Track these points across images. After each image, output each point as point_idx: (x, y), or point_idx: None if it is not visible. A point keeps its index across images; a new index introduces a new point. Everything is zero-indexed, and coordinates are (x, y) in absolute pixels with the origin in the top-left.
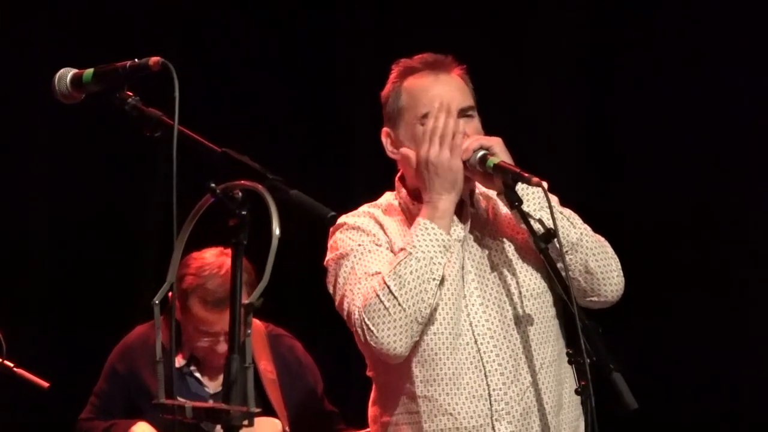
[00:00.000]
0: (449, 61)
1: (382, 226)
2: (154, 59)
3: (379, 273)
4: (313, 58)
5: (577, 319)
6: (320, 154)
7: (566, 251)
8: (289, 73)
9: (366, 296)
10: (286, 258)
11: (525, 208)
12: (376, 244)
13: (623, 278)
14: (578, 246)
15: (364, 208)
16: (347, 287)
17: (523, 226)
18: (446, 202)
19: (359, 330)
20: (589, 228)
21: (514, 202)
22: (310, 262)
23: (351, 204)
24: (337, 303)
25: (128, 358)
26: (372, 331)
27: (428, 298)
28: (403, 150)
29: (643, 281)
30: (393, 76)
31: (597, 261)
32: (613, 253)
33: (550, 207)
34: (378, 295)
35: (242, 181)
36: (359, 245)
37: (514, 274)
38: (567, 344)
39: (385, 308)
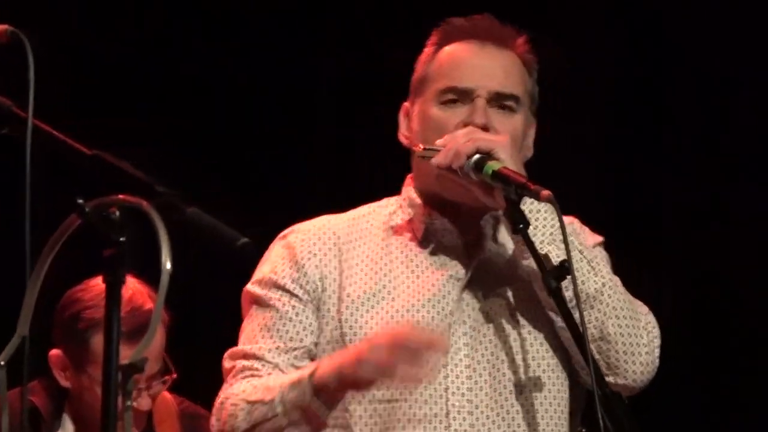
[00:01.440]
0: (509, 32)
1: (339, 251)
2: None
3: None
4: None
5: (595, 386)
6: (246, 161)
7: (577, 305)
8: (196, 49)
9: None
10: (200, 301)
11: (537, 234)
12: (294, 295)
13: (656, 360)
14: (596, 301)
15: (338, 219)
16: (241, 344)
17: (528, 259)
18: None
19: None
20: (618, 281)
21: (518, 223)
22: (234, 308)
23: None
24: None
25: None
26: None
27: None
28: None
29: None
30: (434, 38)
31: (620, 327)
32: (649, 322)
33: (563, 230)
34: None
35: (121, 196)
36: (277, 297)
37: (518, 325)
38: (581, 420)
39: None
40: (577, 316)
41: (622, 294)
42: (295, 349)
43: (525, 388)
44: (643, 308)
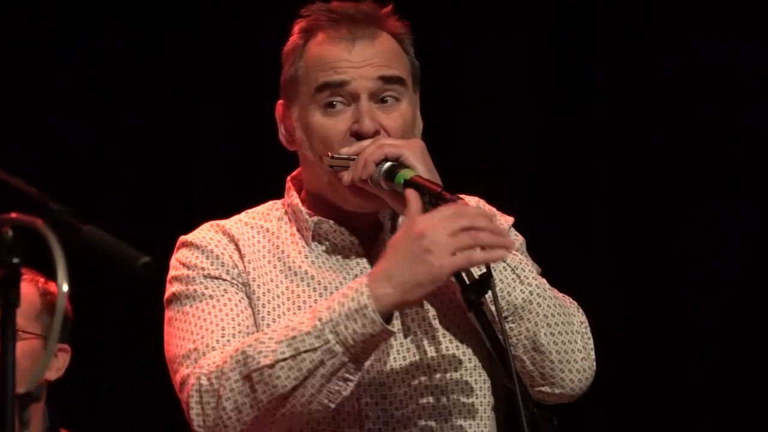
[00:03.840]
0: (378, 14)
1: (237, 245)
2: None
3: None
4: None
5: (521, 403)
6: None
7: (506, 317)
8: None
9: (214, 367)
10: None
11: None
12: (222, 279)
13: (593, 363)
14: (525, 311)
15: (223, 221)
16: (175, 342)
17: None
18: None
19: (189, 407)
20: (546, 285)
21: None
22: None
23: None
24: (168, 361)
25: None
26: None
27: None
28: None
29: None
30: (297, 27)
31: (552, 335)
32: (583, 323)
33: None
34: (228, 378)
35: (14, 215)
36: (202, 284)
37: (435, 340)
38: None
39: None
40: (510, 329)
41: (552, 299)
42: (245, 331)
43: (442, 391)
44: (572, 307)
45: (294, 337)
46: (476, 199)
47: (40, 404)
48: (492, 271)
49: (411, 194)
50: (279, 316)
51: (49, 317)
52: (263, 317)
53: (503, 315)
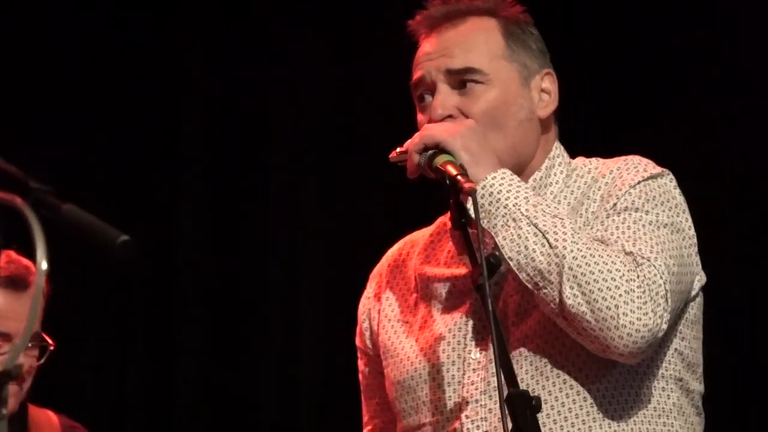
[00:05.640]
0: (468, 6)
1: (380, 278)
2: None
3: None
4: None
5: (499, 388)
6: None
7: (536, 283)
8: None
9: None
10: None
11: (498, 215)
12: (362, 351)
13: (642, 319)
14: (551, 275)
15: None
16: None
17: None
18: None
19: None
20: (585, 245)
21: (460, 218)
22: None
23: None
24: None
25: None
26: None
27: None
28: None
29: None
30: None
31: (584, 296)
32: (631, 281)
33: (479, 227)
34: None
35: None
36: (359, 360)
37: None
38: None
39: None
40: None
41: (588, 257)
42: (384, 404)
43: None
44: (619, 263)
45: None
46: (626, 158)
47: (18, 387)
48: (521, 237)
49: None
50: (396, 340)
51: None
52: (383, 341)
53: (533, 282)
